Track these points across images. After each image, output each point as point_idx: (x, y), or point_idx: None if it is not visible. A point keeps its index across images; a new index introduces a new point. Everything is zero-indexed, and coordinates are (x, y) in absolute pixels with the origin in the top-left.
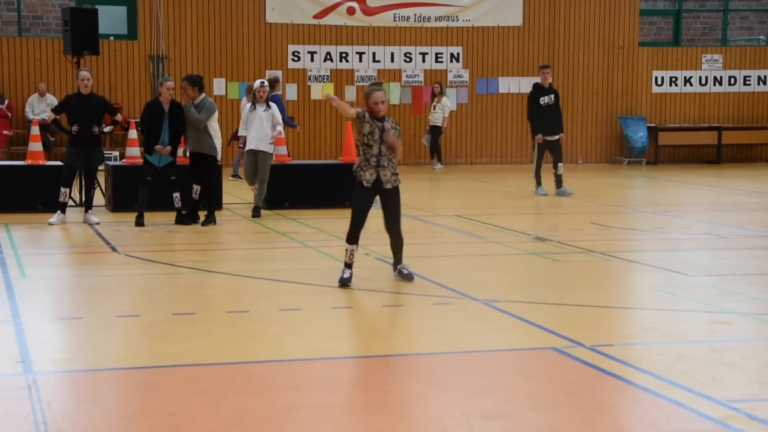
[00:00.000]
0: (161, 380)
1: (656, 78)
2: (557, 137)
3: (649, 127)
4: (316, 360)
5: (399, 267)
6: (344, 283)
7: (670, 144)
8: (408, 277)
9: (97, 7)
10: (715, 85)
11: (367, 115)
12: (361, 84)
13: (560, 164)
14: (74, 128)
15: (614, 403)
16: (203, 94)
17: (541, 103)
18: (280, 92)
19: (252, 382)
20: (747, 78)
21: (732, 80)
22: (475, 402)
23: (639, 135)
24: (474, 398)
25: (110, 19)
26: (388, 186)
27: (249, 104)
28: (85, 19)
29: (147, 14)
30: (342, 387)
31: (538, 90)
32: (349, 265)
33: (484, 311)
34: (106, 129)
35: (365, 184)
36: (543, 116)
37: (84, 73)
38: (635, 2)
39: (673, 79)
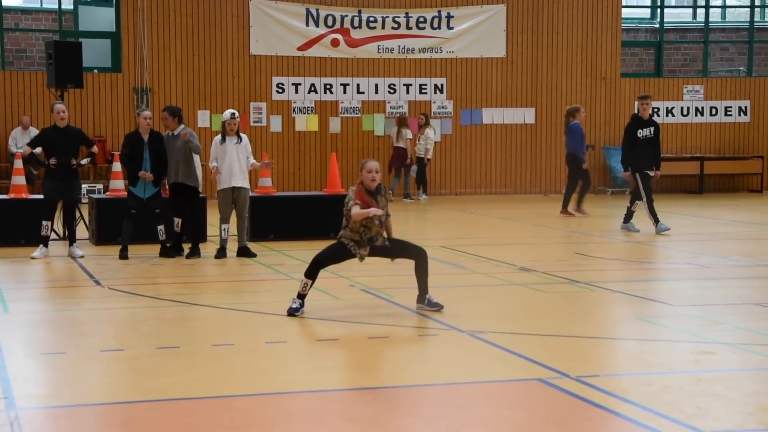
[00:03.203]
0: (146, 415)
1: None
2: (653, 173)
3: None
4: (302, 393)
5: (427, 297)
6: (292, 313)
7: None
8: (436, 306)
9: (80, 40)
10: (696, 115)
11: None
12: (346, 115)
13: (638, 202)
14: (52, 161)
15: None
16: (182, 125)
17: (639, 136)
18: (579, 121)
19: (238, 416)
20: (728, 108)
21: (713, 111)
22: None
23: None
24: (460, 430)
25: (94, 52)
26: (381, 244)
27: (218, 137)
28: (68, 52)
29: (131, 47)
30: (328, 420)
31: (637, 122)
32: (301, 296)
33: (469, 342)
34: (84, 162)
35: (354, 252)
36: (640, 150)
37: (59, 106)
38: (617, 34)
39: (655, 110)
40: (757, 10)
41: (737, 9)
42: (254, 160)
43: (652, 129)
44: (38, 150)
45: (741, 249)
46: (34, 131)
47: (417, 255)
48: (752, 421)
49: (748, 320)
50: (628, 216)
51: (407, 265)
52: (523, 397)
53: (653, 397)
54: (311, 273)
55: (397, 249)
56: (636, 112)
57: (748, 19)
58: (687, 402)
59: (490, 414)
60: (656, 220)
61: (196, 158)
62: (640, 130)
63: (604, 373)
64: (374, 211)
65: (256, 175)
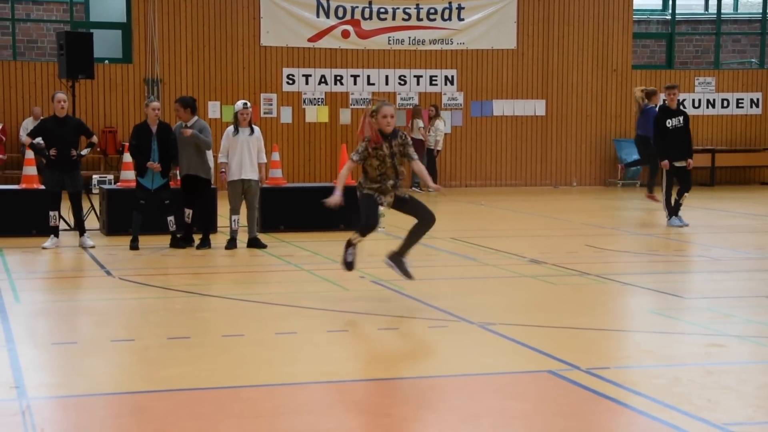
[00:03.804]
0: (156, 405)
1: (666, 98)
2: (685, 164)
3: None
4: (312, 384)
5: (403, 260)
6: (348, 266)
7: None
8: (406, 274)
9: (92, 31)
10: (708, 107)
11: (368, 147)
12: (356, 107)
13: (686, 194)
14: (52, 152)
15: (610, 427)
16: (196, 117)
17: (668, 125)
18: (655, 104)
19: (248, 407)
20: (740, 101)
21: (725, 103)
22: (470, 425)
23: (633, 157)
24: (470, 422)
25: (105, 43)
26: (403, 195)
27: (231, 128)
28: (79, 43)
29: (142, 38)
30: (338, 411)
31: (665, 112)
32: (353, 245)
33: (479, 334)
34: (84, 152)
35: (379, 201)
36: (670, 140)
37: (60, 95)
38: (628, 25)
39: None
40: None
41: (750, 0)
42: (264, 158)
43: (681, 118)
44: (39, 140)
45: (752, 241)
46: None
47: (424, 216)
48: (762, 413)
49: (759, 313)
50: (676, 209)
51: (417, 257)
52: (533, 388)
53: (663, 389)
54: (363, 234)
55: (412, 205)
56: (663, 102)
57: (761, 11)
58: (697, 394)
59: (500, 405)
60: (670, 214)
61: (208, 151)
62: (669, 120)
63: (614, 365)
64: (334, 198)
65: (267, 166)
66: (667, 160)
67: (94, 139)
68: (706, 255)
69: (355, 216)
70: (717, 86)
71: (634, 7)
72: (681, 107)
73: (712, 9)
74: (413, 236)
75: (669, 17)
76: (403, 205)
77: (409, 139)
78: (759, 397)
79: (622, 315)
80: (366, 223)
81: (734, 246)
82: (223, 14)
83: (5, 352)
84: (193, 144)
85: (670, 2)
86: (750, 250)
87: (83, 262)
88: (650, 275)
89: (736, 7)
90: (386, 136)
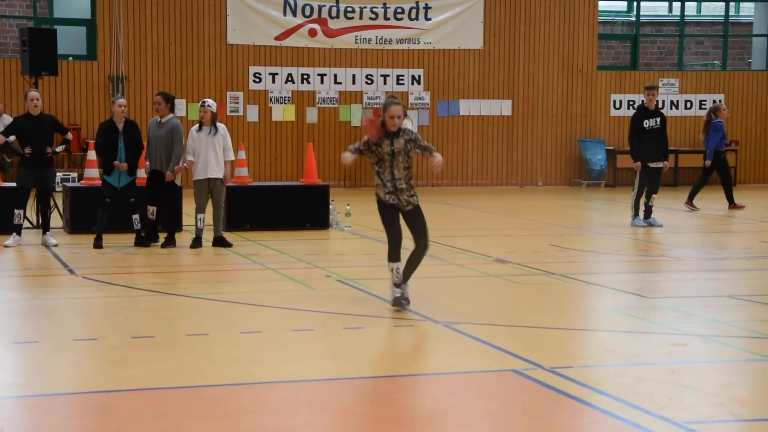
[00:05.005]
0: (119, 405)
1: (614, 101)
2: (660, 165)
3: (607, 150)
4: (277, 383)
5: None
6: (396, 302)
7: (628, 167)
8: (400, 301)
9: (55, 27)
10: (671, 108)
11: (369, 142)
12: (323, 105)
13: (654, 196)
14: (27, 150)
15: (573, 425)
16: (172, 114)
17: (645, 126)
18: (722, 119)
19: (212, 406)
20: (702, 102)
21: (688, 104)
22: (436, 424)
23: (598, 158)
24: (435, 420)
25: (69, 40)
26: (409, 208)
27: (195, 127)
28: (43, 39)
29: (106, 34)
30: (304, 410)
31: (643, 112)
32: (397, 285)
33: (444, 333)
34: (58, 149)
35: (388, 201)
36: (646, 141)
37: (33, 93)
38: (594, 27)
39: (631, 103)
40: (731, 4)
41: (712, 3)
42: (232, 156)
43: (658, 119)
44: (12, 138)
45: (714, 242)
46: (7, 118)
47: (418, 241)
48: (723, 412)
49: (721, 312)
50: (648, 212)
51: (384, 256)
52: (497, 387)
53: (626, 388)
54: (392, 255)
55: (414, 220)
56: (642, 102)
57: (723, 14)
58: (659, 393)
59: (465, 404)
60: (635, 215)
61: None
62: (646, 121)
63: (577, 365)
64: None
65: (233, 164)
66: (641, 161)
67: (69, 135)
68: (669, 255)
69: (321, 214)
70: (680, 88)
71: (599, 9)
72: (660, 108)
73: (676, 11)
74: (410, 264)
75: (634, 19)
76: (407, 214)
77: (418, 135)
78: (720, 396)
79: (586, 314)
80: (391, 240)
81: (697, 246)
82: (190, 11)
83: None
84: (164, 141)
85: (635, 4)
86: (712, 250)
87: (46, 261)
88: (614, 275)
89: (699, 9)
90: (388, 134)
